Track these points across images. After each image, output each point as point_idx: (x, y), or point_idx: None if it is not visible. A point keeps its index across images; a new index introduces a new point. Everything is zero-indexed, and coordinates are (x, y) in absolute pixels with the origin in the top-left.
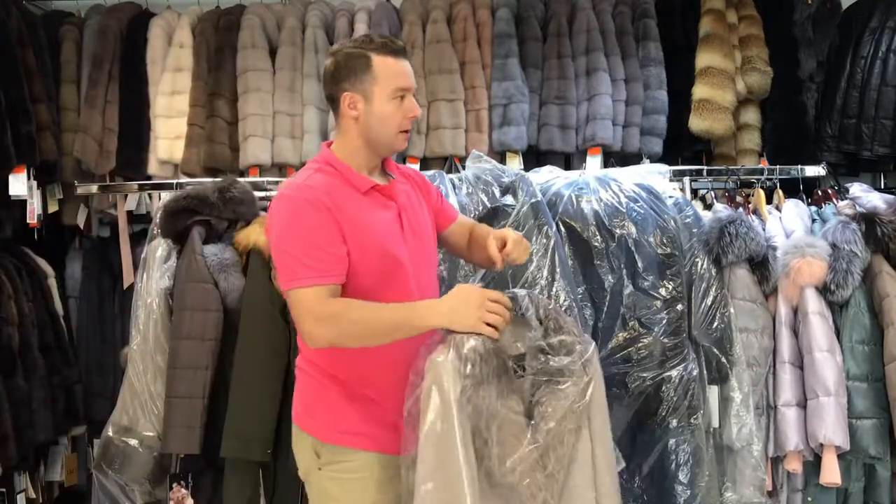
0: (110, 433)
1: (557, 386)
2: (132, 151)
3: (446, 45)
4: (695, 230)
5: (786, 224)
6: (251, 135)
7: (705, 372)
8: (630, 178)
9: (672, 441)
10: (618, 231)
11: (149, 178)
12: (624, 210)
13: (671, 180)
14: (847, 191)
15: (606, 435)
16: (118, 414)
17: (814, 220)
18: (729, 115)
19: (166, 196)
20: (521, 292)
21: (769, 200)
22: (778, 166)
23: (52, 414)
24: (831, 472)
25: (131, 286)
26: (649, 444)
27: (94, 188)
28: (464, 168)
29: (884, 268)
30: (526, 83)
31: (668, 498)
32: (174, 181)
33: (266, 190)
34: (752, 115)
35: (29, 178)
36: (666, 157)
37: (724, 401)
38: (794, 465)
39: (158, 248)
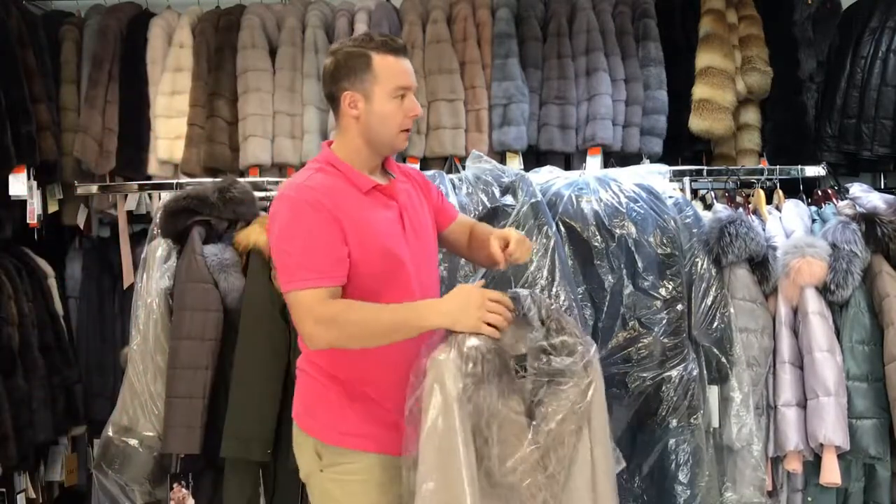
0: (110, 433)
1: (559, 387)
2: (132, 151)
3: (446, 45)
4: (695, 230)
5: (786, 224)
6: (251, 135)
7: (705, 372)
8: (630, 178)
9: (672, 441)
10: (618, 231)
11: (149, 178)
12: (624, 210)
13: (671, 180)
14: (847, 191)
15: (606, 436)
16: (118, 414)
17: (814, 221)
18: (729, 115)
19: (166, 196)
20: (523, 292)
21: (769, 200)
22: (778, 166)
23: (52, 414)
24: (831, 472)
25: (131, 286)
26: (649, 444)
27: (94, 188)
28: (464, 168)
29: (884, 268)
30: (526, 83)
31: (668, 498)
32: (174, 181)
33: (266, 190)
34: (752, 115)
35: (29, 178)
36: (666, 158)
37: (724, 401)
38: (794, 465)
39: (158, 248)
